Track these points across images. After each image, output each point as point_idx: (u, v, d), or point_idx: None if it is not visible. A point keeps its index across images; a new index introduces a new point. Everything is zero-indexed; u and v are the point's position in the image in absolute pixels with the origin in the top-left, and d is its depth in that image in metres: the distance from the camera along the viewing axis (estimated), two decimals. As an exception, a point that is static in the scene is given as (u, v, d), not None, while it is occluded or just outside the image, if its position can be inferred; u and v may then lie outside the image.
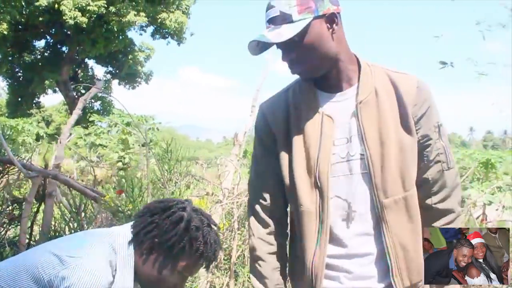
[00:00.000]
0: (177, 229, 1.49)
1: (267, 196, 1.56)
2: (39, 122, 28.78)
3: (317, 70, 1.45)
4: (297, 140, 1.48)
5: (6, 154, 3.10)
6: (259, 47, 1.43)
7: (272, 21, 1.39)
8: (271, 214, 1.56)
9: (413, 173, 1.45)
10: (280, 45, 1.41)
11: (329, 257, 1.44)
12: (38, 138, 18.87)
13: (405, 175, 1.42)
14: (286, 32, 1.35)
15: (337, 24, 1.41)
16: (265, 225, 1.57)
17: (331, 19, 1.39)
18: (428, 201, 1.50)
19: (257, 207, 1.58)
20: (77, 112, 3.60)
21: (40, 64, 23.36)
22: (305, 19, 1.36)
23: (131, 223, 1.57)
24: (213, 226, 1.57)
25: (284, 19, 1.36)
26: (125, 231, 1.54)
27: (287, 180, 1.49)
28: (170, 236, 1.48)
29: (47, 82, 22.70)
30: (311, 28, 1.37)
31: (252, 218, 1.60)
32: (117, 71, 25.57)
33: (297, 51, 1.41)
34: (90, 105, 25.22)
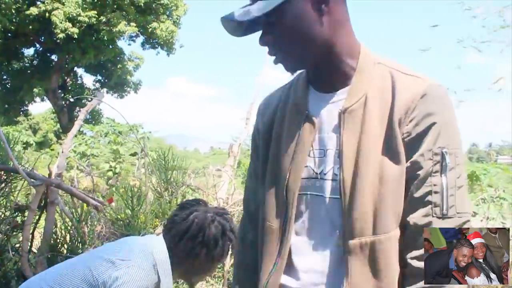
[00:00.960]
0: (219, 244, 1.84)
1: (252, 200, 1.38)
2: (26, 130, 28.59)
3: (301, 62, 1.17)
4: (274, 144, 1.24)
5: (11, 163, 3.17)
6: (243, 27, 1.14)
7: None
8: (255, 221, 1.33)
9: (392, 214, 1.08)
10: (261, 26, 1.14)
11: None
12: (27, 146, 18.79)
13: (379, 214, 1.07)
14: (255, 9, 1.06)
15: (328, 5, 1.09)
16: (245, 233, 1.41)
17: None
18: (405, 253, 1.09)
19: (244, 213, 1.45)
20: (79, 123, 3.69)
21: (29, 72, 23.28)
22: None
23: (161, 237, 1.82)
24: (228, 217, 1.91)
25: None
26: (159, 242, 1.79)
27: (259, 188, 1.30)
28: (216, 252, 1.84)
29: (35, 90, 22.62)
30: (289, 7, 1.07)
31: (240, 223, 1.48)
32: (106, 80, 25.58)
33: (273, 34, 1.12)
34: (79, 115, 25.17)
